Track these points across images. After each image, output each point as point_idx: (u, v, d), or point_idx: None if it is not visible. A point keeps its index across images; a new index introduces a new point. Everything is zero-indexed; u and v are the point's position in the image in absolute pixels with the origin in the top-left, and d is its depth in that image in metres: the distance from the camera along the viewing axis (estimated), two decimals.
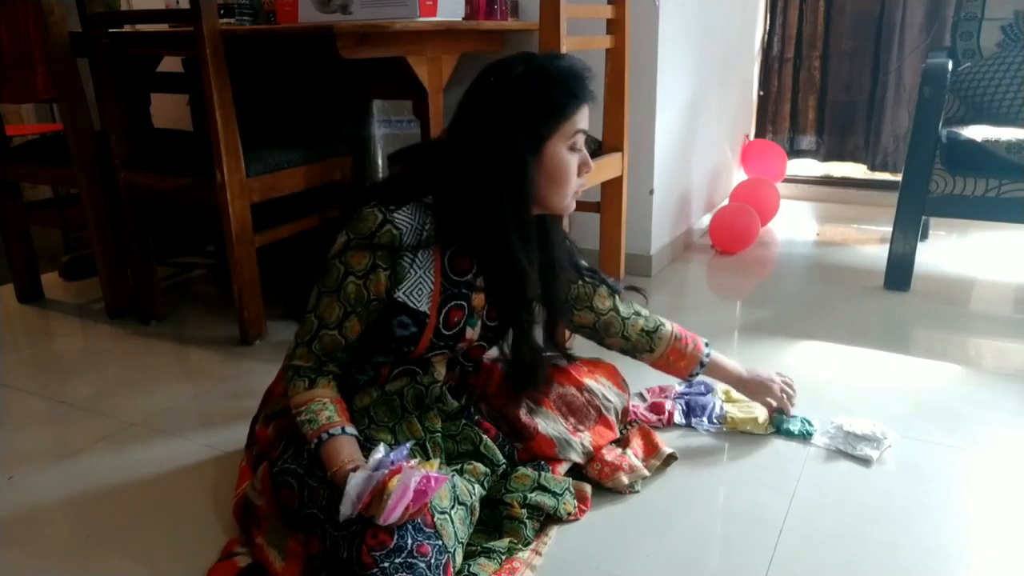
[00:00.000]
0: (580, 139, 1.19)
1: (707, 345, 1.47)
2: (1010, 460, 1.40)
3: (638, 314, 1.43)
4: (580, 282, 1.38)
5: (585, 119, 1.19)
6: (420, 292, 1.17)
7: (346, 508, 0.97)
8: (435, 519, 1.03)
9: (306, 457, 1.13)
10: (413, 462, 1.02)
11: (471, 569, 1.09)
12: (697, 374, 1.46)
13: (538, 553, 1.16)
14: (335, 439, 1.10)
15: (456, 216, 1.17)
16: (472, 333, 1.25)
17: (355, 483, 0.98)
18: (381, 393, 1.25)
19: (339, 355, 1.18)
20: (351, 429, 1.13)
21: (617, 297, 1.43)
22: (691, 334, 1.46)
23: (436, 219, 1.16)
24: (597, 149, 2.06)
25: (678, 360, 1.44)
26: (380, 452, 1.02)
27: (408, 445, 1.07)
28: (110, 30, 1.99)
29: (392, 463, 1.00)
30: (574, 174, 1.20)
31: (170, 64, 2.57)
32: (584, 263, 1.41)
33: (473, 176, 1.15)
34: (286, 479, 1.12)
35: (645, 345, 1.43)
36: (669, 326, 1.44)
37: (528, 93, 1.14)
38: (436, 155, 1.21)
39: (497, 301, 1.25)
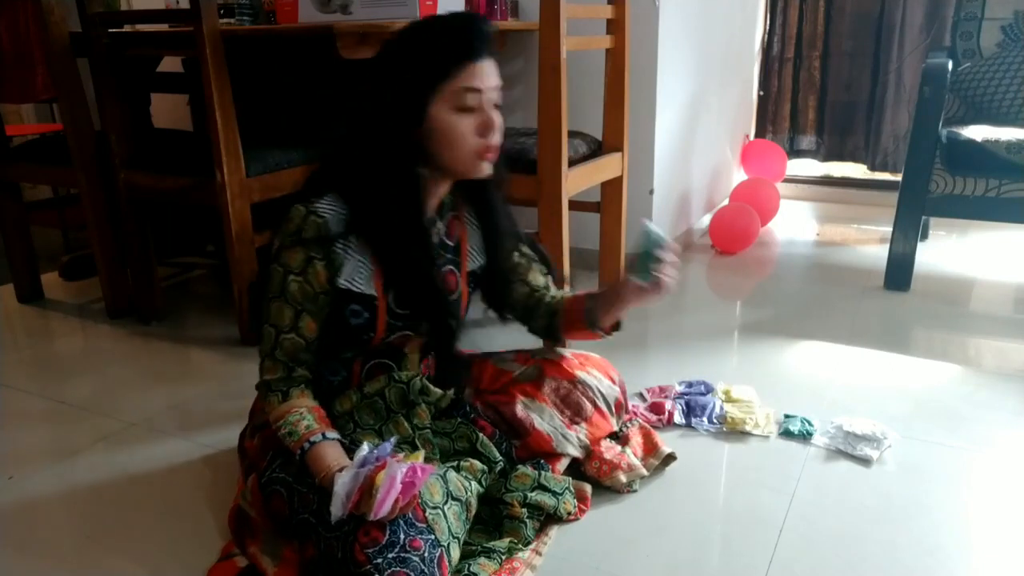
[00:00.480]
0: (472, 98, 1.11)
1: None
2: (1010, 460, 1.40)
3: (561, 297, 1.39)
4: (517, 253, 1.36)
5: (476, 76, 1.10)
6: (361, 275, 1.16)
7: (336, 508, 0.98)
8: (427, 514, 1.04)
9: (294, 465, 1.13)
10: (399, 456, 1.02)
11: (471, 568, 1.09)
12: (591, 318, 1.31)
13: (538, 553, 1.16)
14: (316, 447, 1.09)
15: (357, 194, 1.16)
16: None
17: (342, 482, 0.98)
18: (361, 396, 1.24)
19: (304, 357, 1.18)
20: (332, 434, 1.13)
21: (550, 278, 1.40)
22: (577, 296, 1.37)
23: (346, 201, 1.16)
24: (597, 149, 2.06)
25: (569, 312, 1.34)
26: (364, 450, 1.03)
27: (392, 440, 1.07)
28: (110, 30, 1.99)
29: (377, 459, 1.00)
30: (467, 136, 1.12)
31: (170, 64, 2.57)
32: (524, 235, 1.38)
33: (365, 149, 1.13)
34: (275, 488, 1.12)
35: (559, 324, 1.36)
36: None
37: (406, 56, 1.11)
38: (345, 141, 1.19)
39: (388, 277, 1.19)
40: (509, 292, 1.36)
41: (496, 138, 1.15)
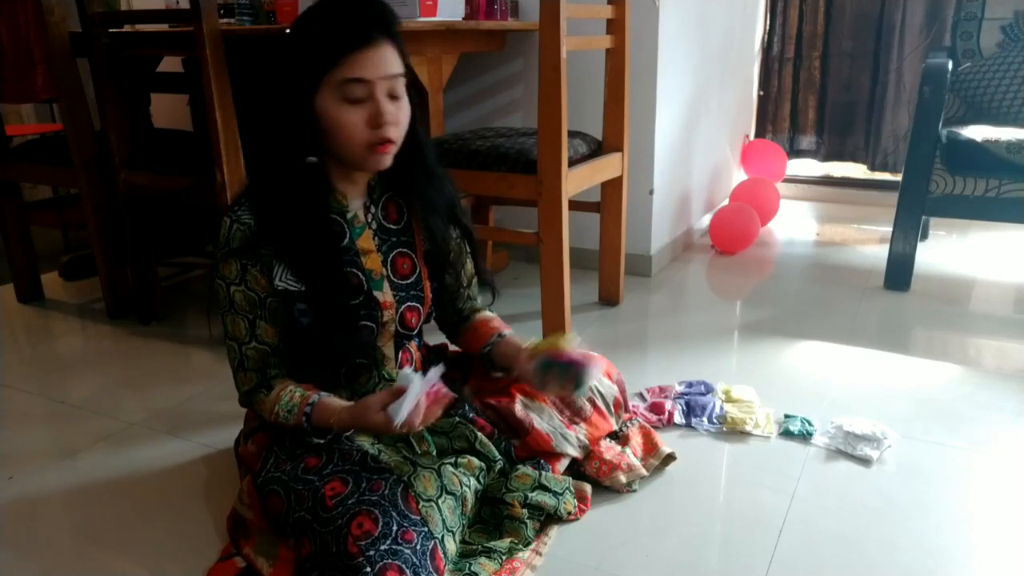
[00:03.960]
0: (358, 88, 1.07)
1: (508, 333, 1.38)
2: (1010, 460, 1.40)
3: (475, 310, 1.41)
4: (456, 240, 1.32)
5: (361, 66, 1.06)
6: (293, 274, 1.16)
7: (406, 409, 1.03)
8: (420, 506, 1.04)
9: (289, 464, 1.13)
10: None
11: (471, 568, 1.09)
12: (488, 349, 1.34)
13: (538, 553, 1.16)
14: (318, 404, 1.13)
15: (258, 191, 1.15)
16: (384, 296, 1.22)
17: (413, 395, 1.04)
18: (351, 397, 1.24)
19: (272, 360, 1.19)
20: (325, 394, 1.16)
21: (475, 280, 1.39)
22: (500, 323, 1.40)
23: (248, 197, 1.15)
24: (597, 149, 2.06)
25: (482, 331, 1.36)
26: (412, 375, 1.06)
27: (440, 369, 1.09)
28: (110, 30, 1.99)
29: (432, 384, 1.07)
30: (355, 128, 1.08)
31: (170, 64, 2.57)
32: (467, 224, 1.33)
33: (258, 141, 1.14)
34: (272, 488, 1.12)
35: (461, 334, 1.40)
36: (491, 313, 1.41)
37: (292, 46, 1.10)
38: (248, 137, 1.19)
39: (291, 266, 1.16)
40: (444, 281, 1.32)
41: (391, 131, 1.10)
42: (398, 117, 1.12)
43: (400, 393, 1.05)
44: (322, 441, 1.15)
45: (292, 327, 1.19)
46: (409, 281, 1.25)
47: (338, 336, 1.17)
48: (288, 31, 1.13)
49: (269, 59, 1.11)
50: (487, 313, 1.42)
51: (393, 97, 1.11)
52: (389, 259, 1.24)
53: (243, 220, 1.14)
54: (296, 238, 1.14)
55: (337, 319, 1.16)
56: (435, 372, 1.08)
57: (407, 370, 1.07)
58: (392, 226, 1.26)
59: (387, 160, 1.14)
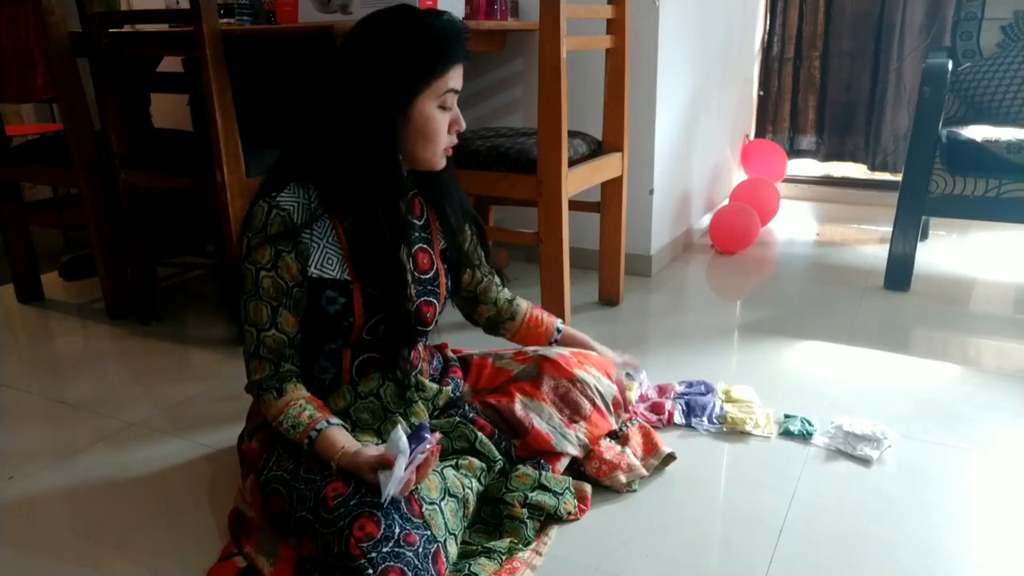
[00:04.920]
0: (451, 98, 1.19)
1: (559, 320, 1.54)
2: (1010, 460, 1.40)
3: (518, 306, 1.50)
4: (471, 239, 1.41)
5: (458, 78, 1.19)
6: (331, 261, 1.18)
7: (393, 488, 1.00)
8: (423, 509, 1.04)
9: (291, 462, 1.13)
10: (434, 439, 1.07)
11: (471, 568, 1.09)
12: (555, 341, 1.51)
13: (538, 553, 1.16)
14: (323, 433, 1.11)
15: (331, 178, 1.17)
16: (408, 290, 1.23)
17: (400, 468, 1.01)
18: (355, 395, 1.25)
19: (288, 352, 1.19)
20: (335, 420, 1.15)
21: (495, 274, 1.47)
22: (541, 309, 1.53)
23: (317, 187, 1.17)
24: (597, 149, 2.06)
25: (537, 327, 1.50)
26: (401, 435, 1.04)
27: (427, 427, 1.08)
28: (110, 30, 1.99)
29: (424, 448, 1.04)
30: (443, 132, 1.20)
31: (170, 64, 2.57)
32: (476, 215, 1.42)
33: (344, 134, 1.15)
34: (275, 487, 1.12)
35: (508, 312, 1.48)
36: (523, 300, 1.51)
37: (401, 50, 1.13)
38: (309, 128, 1.21)
39: (356, 257, 1.20)
40: (462, 275, 1.40)
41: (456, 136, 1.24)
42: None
43: (388, 462, 1.03)
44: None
45: (317, 314, 1.19)
46: (428, 276, 1.28)
47: (404, 317, 1.21)
48: (379, 34, 1.15)
49: (355, 61, 1.15)
50: (523, 305, 1.50)
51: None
52: (411, 253, 1.26)
53: (283, 206, 1.14)
54: (376, 224, 1.16)
55: (399, 313, 1.21)
56: (427, 435, 1.06)
57: (399, 433, 1.04)
58: (416, 221, 1.29)
59: (445, 162, 1.25)
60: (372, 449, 1.09)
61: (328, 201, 1.17)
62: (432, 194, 1.31)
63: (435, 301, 1.29)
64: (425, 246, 1.29)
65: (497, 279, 1.47)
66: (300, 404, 1.15)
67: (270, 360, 1.18)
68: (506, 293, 1.49)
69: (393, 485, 1.00)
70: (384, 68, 1.13)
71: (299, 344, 1.20)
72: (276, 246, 1.14)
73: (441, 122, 1.18)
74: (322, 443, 1.10)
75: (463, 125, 1.23)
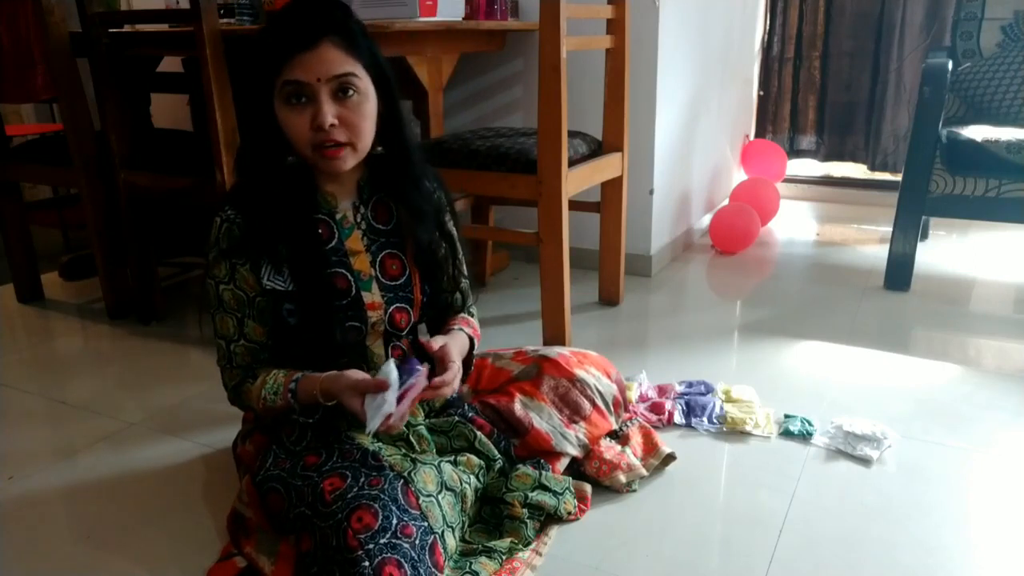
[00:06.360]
0: (299, 90, 1.07)
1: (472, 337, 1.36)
2: (1010, 460, 1.40)
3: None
4: (443, 248, 1.30)
5: (303, 67, 1.05)
6: (282, 272, 1.17)
7: (380, 420, 1.03)
8: (420, 501, 1.05)
9: (289, 462, 1.14)
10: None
11: (472, 567, 1.09)
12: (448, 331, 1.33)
13: (538, 553, 1.16)
14: (300, 382, 1.14)
15: (243, 192, 1.17)
16: (372, 297, 1.21)
17: (392, 398, 1.04)
18: None
19: (262, 357, 1.20)
20: (309, 372, 1.16)
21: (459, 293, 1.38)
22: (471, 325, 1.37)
23: (241, 203, 1.17)
24: (597, 149, 2.06)
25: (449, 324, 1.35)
26: (392, 370, 1.06)
27: (419, 364, 1.11)
28: (110, 30, 1.99)
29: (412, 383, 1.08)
30: (299, 129, 1.09)
31: (170, 64, 2.57)
32: (450, 231, 1.32)
33: (243, 142, 1.16)
34: (271, 485, 1.12)
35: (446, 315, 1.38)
36: (469, 317, 1.39)
37: (255, 52, 1.11)
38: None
39: (276, 262, 1.17)
40: (440, 281, 1.31)
41: (336, 132, 1.09)
42: (349, 118, 1.10)
43: (381, 386, 1.05)
44: (311, 420, 1.16)
45: (280, 327, 1.19)
46: (399, 282, 1.25)
47: (324, 336, 1.17)
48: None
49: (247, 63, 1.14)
50: (466, 315, 1.38)
51: (345, 98, 1.10)
52: (378, 260, 1.23)
53: (233, 220, 1.15)
54: (281, 238, 1.15)
55: (321, 320, 1.17)
56: (419, 367, 1.09)
57: (390, 365, 1.05)
58: (382, 227, 1.25)
59: (342, 163, 1.12)
60: (358, 373, 1.10)
61: (247, 217, 1.15)
62: (398, 199, 1.25)
63: (408, 307, 1.25)
64: (395, 251, 1.25)
65: (459, 301, 1.37)
66: (274, 374, 1.17)
67: (242, 367, 1.20)
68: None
69: (381, 417, 1.02)
70: (249, 72, 1.13)
71: (271, 350, 1.21)
72: (230, 260, 1.15)
73: (292, 119, 1.09)
74: (303, 386, 1.13)
75: (323, 118, 1.07)
